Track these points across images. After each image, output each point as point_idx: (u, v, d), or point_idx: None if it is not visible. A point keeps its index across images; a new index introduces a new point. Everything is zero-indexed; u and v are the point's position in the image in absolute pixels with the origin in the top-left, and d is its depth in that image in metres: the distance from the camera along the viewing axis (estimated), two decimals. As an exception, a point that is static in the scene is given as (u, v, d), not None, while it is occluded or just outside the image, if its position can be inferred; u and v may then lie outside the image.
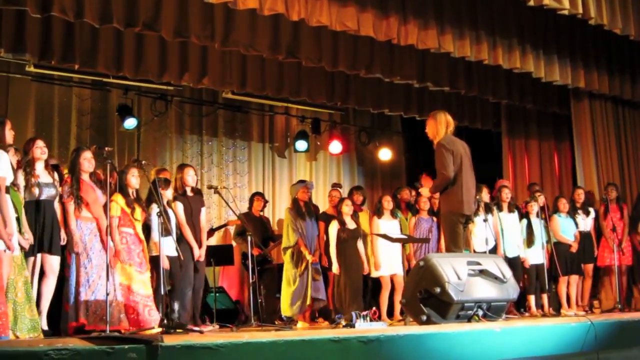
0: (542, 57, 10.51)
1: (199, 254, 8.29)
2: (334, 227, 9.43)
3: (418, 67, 10.75)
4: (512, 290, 6.79)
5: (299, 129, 13.18)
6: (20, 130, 10.48)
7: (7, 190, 5.93)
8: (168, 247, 7.60)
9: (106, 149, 7.04)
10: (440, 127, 7.50)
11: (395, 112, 12.74)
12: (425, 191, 8.23)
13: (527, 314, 9.99)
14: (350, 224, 9.50)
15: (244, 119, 12.97)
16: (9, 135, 6.28)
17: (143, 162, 7.95)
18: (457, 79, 11.15)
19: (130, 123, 11.15)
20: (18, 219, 6.29)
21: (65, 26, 9.12)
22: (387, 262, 9.56)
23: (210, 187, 8.91)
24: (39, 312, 6.68)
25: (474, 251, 9.45)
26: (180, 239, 8.14)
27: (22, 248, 6.29)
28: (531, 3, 8.83)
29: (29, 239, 6.46)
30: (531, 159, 13.10)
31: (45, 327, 6.73)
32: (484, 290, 6.53)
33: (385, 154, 13.97)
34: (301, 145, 13.01)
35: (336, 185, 11.03)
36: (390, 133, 14.48)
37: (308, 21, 8.70)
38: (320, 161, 13.82)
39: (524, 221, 10.19)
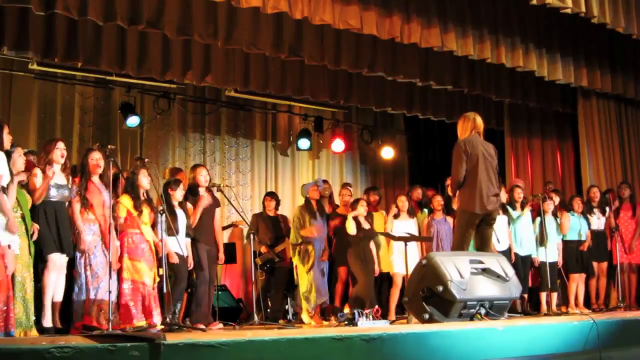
0: (545, 55, 10.51)
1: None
2: (352, 224, 9.47)
3: (421, 66, 10.74)
4: (514, 288, 6.78)
5: (302, 127, 13.19)
6: (23, 128, 10.54)
7: (3, 190, 5.94)
8: (174, 246, 7.64)
9: (109, 147, 7.04)
10: (467, 128, 7.51)
11: (397, 111, 12.74)
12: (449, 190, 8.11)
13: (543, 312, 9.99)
14: (365, 224, 9.55)
15: (246, 117, 12.98)
16: (7, 139, 6.28)
17: (146, 160, 7.94)
18: (459, 78, 11.14)
19: (133, 121, 11.16)
20: (24, 218, 6.34)
21: (69, 24, 9.13)
22: (399, 260, 9.57)
23: (212, 185, 8.95)
24: (42, 308, 6.72)
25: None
26: (193, 241, 8.20)
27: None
28: (534, 2, 8.83)
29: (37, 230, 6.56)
30: (534, 157, 13.10)
31: (50, 324, 6.75)
32: (487, 288, 6.52)
33: (387, 153, 13.97)
34: (304, 143, 13.01)
35: (346, 185, 11.04)
36: (393, 131, 14.47)
37: (311, 19, 8.71)
38: (323, 159, 13.82)
39: (538, 219, 10.16)
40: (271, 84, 11.11)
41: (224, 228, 11.10)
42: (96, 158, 7.30)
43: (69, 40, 9.29)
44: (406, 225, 9.80)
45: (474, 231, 7.37)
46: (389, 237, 9.01)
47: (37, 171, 6.82)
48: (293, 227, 9.75)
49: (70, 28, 9.22)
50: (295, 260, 9.64)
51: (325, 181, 10.92)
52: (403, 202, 9.97)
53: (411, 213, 10.02)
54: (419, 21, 9.35)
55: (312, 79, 11.33)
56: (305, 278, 9.49)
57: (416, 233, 9.79)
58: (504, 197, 9.93)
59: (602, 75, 11.27)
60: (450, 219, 10.03)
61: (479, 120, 7.57)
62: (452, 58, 10.47)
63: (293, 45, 9.75)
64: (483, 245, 7.44)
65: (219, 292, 10.13)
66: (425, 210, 10.47)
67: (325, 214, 9.97)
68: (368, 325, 6.59)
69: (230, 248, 11.08)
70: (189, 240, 8.12)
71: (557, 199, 10.53)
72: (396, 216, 9.90)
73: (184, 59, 10.20)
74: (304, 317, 9.50)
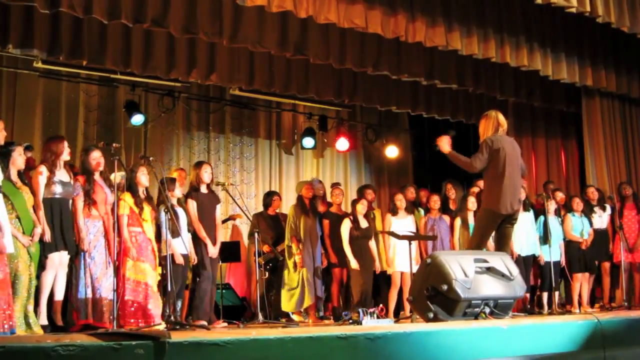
0: (549, 54, 10.50)
1: (213, 251, 8.31)
2: (346, 225, 9.46)
3: (426, 65, 10.74)
4: (519, 288, 6.78)
5: (306, 125, 13.18)
6: (28, 126, 10.57)
7: None
8: (179, 246, 7.65)
9: (113, 145, 7.05)
10: (490, 126, 7.43)
11: (402, 110, 12.73)
12: (443, 145, 7.63)
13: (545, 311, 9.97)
14: (363, 223, 9.52)
15: (251, 116, 12.98)
16: (0, 136, 6.29)
17: (150, 158, 7.93)
18: (464, 77, 11.14)
19: (138, 119, 11.16)
20: (19, 218, 6.31)
21: (74, 22, 9.12)
22: (398, 259, 9.56)
23: (217, 184, 8.96)
24: (38, 305, 6.72)
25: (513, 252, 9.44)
26: (195, 237, 8.20)
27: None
28: (539, 1, 8.83)
29: (39, 234, 6.54)
30: (538, 157, 13.09)
31: (45, 322, 6.74)
32: (491, 287, 6.52)
33: (392, 151, 13.95)
34: (308, 142, 13.01)
35: (337, 184, 11.00)
36: (397, 130, 14.46)
37: (316, 18, 8.71)
38: (327, 158, 13.83)
39: (541, 218, 10.13)
40: (276, 83, 11.11)
41: (223, 221, 11.13)
42: (96, 157, 7.33)
43: (74, 38, 9.29)
44: (405, 222, 9.77)
45: (494, 231, 7.34)
46: (394, 235, 8.99)
47: (43, 169, 6.83)
48: (288, 226, 9.71)
49: (75, 26, 9.22)
50: (287, 260, 9.59)
51: (319, 181, 10.87)
52: (401, 199, 9.94)
53: (409, 210, 10.00)
54: (423, 20, 9.36)
55: (316, 77, 11.33)
56: (294, 278, 9.47)
57: (415, 231, 9.78)
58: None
59: (606, 75, 11.27)
60: (447, 218, 10.04)
61: (502, 118, 7.49)
62: (456, 57, 10.47)
63: (298, 44, 9.74)
64: (502, 244, 7.38)
65: (223, 291, 10.14)
66: (422, 211, 10.46)
67: (318, 213, 9.93)
68: (372, 324, 6.59)
69: (234, 247, 11.10)
70: (190, 236, 8.13)
71: (559, 196, 10.52)
72: (393, 213, 9.87)
73: (189, 57, 10.20)
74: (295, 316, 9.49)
